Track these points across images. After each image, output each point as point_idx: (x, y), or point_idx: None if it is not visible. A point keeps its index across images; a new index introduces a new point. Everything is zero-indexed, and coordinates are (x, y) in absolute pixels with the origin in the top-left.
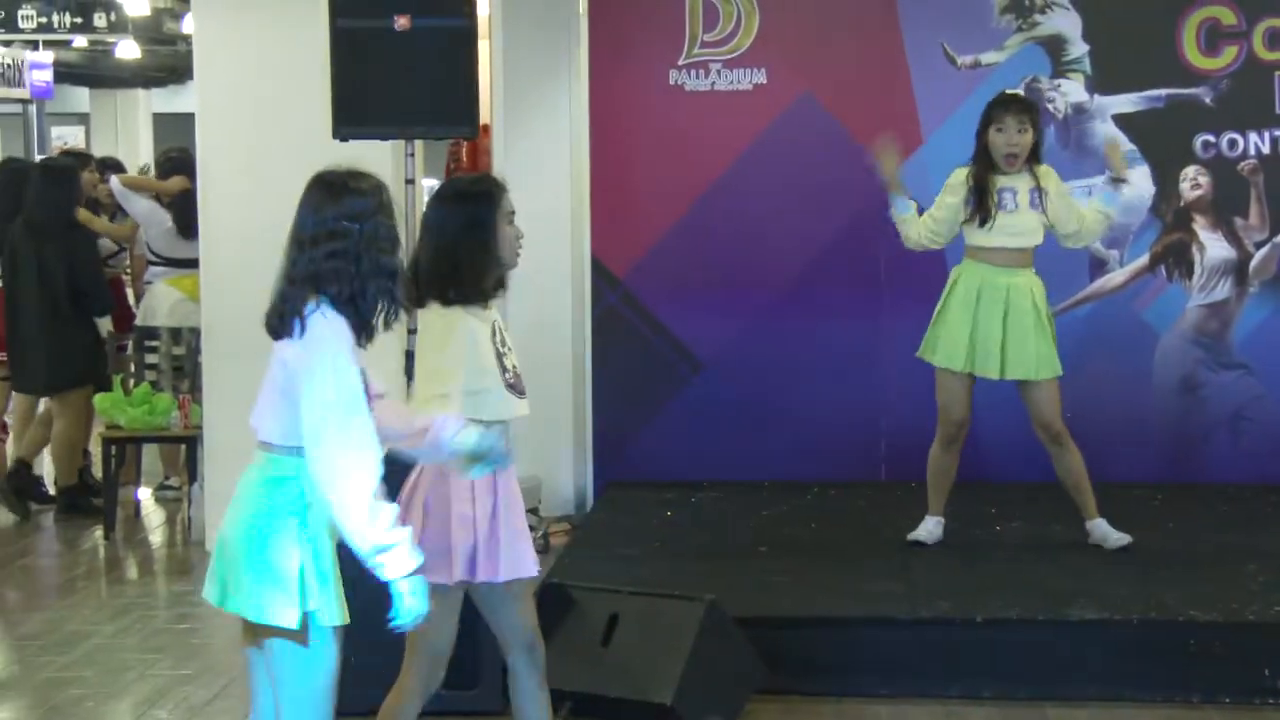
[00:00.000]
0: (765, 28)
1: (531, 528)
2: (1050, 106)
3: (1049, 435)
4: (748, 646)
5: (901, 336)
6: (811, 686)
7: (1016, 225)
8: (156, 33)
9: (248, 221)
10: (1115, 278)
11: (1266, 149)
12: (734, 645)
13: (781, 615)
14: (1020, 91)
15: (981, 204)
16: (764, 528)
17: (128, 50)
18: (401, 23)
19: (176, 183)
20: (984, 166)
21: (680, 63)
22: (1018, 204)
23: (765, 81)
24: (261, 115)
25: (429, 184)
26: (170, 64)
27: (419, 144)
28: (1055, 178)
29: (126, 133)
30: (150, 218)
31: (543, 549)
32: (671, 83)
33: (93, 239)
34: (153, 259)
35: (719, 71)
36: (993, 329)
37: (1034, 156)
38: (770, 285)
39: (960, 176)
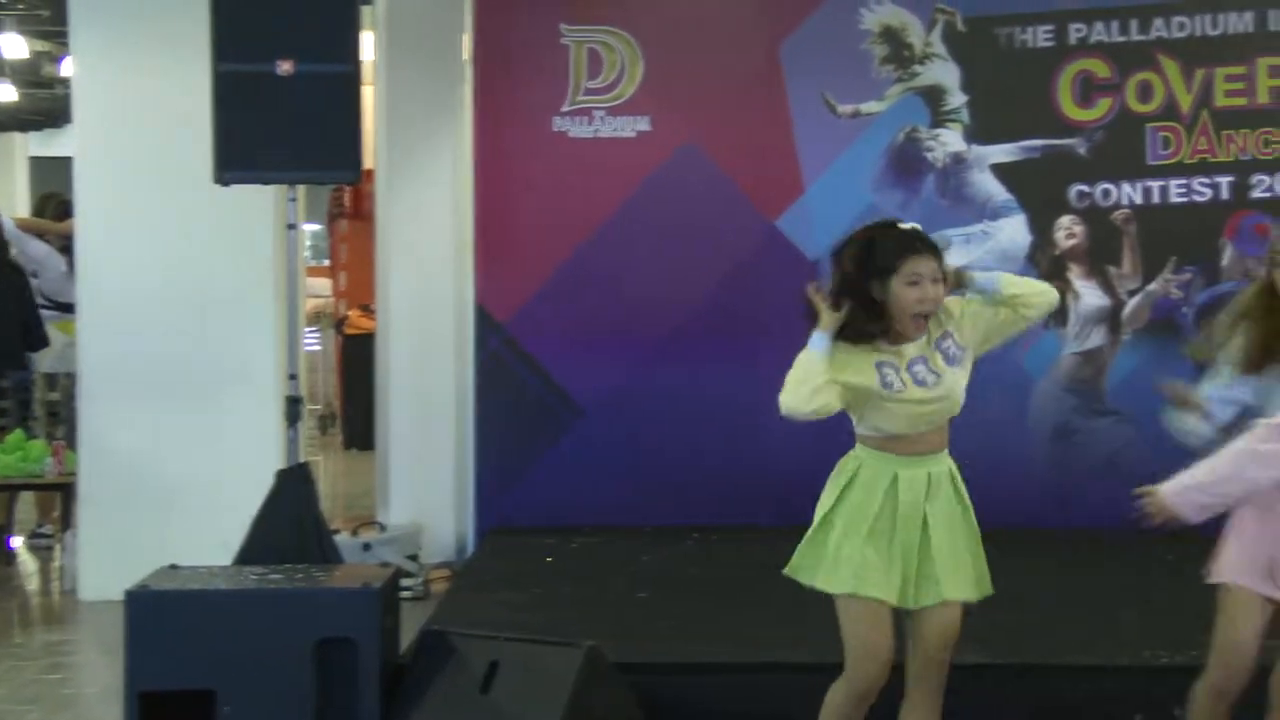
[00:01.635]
0: (649, 76)
1: (411, 574)
2: (929, 156)
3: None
4: (628, 693)
5: (780, 385)
6: None
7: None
8: (34, 76)
9: (127, 266)
10: None
11: (1139, 199)
12: (614, 692)
13: (662, 661)
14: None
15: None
16: (645, 573)
17: (4, 94)
18: (285, 67)
19: (71, 225)
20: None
21: (564, 109)
22: (936, 370)
23: (649, 129)
24: (141, 159)
25: (311, 229)
26: (48, 107)
27: (301, 188)
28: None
29: (3, 176)
30: (46, 260)
31: (423, 595)
32: (555, 129)
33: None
34: (43, 303)
35: (602, 119)
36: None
37: None
38: (652, 332)
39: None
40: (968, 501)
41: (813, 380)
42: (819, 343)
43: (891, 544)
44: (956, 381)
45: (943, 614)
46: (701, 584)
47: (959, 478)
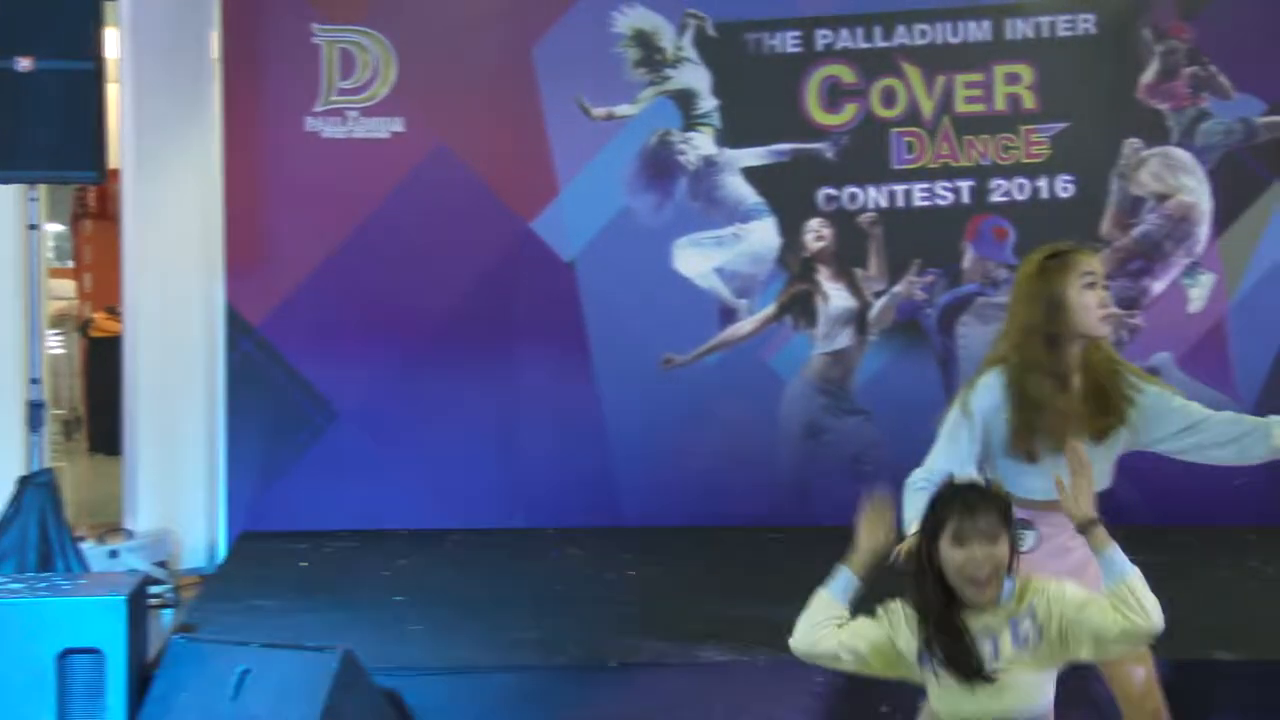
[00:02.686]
0: (403, 77)
1: (160, 581)
2: (681, 159)
3: None
4: (381, 698)
5: (535, 387)
6: None
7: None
8: None
9: None
10: (744, 326)
11: (884, 202)
12: (368, 697)
13: (416, 665)
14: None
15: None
16: (400, 577)
17: None
18: (24, 64)
19: None
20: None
21: (316, 109)
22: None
23: (403, 130)
24: None
25: (54, 229)
26: None
27: (43, 188)
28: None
29: None
30: None
31: (172, 602)
32: (307, 129)
33: None
34: None
35: (356, 119)
36: None
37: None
38: (407, 334)
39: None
40: None
41: (814, 618)
42: (838, 581)
43: None
44: (1021, 677)
45: None
46: (456, 587)
47: None
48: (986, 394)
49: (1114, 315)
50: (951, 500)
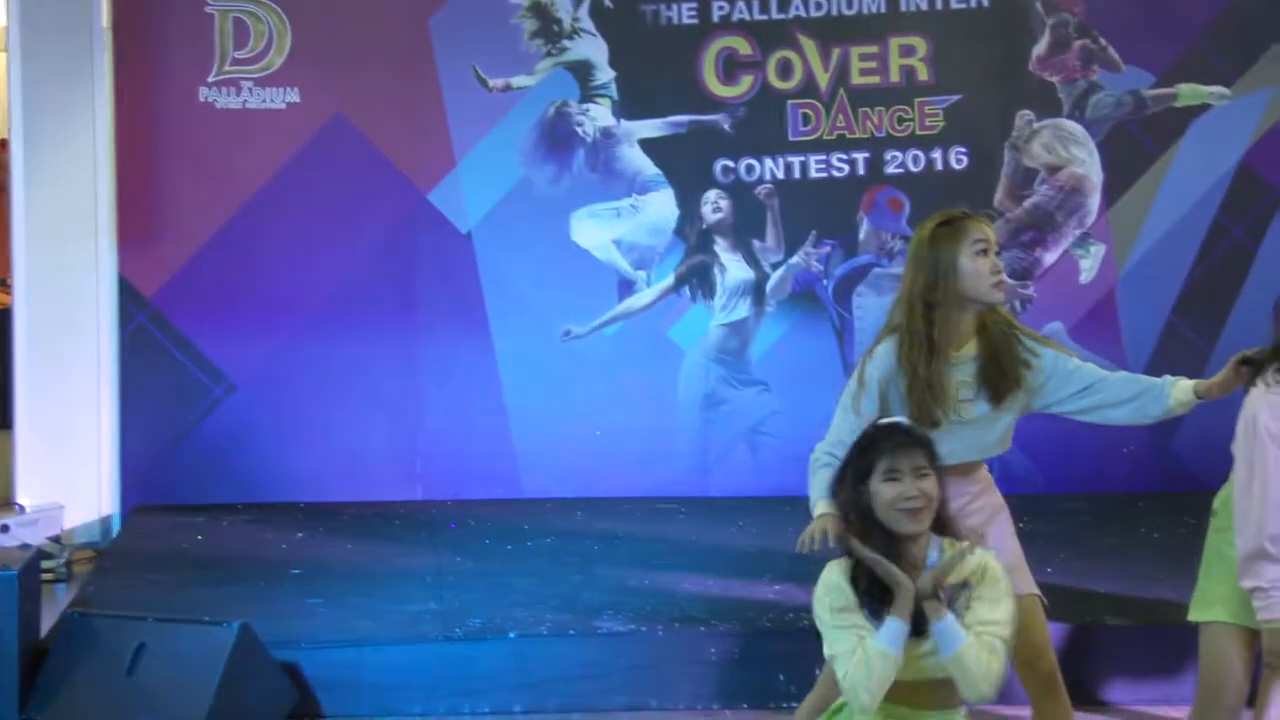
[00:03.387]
0: (297, 47)
1: (52, 556)
2: (579, 130)
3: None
4: (280, 670)
5: (436, 358)
6: (347, 708)
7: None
8: None
9: None
10: (642, 297)
11: (781, 174)
12: (265, 670)
13: (315, 638)
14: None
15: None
16: (298, 550)
17: None
18: None
19: None
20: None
21: (210, 80)
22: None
23: (298, 101)
24: None
25: None
26: None
27: None
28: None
29: None
30: None
31: (65, 577)
32: (201, 100)
33: None
34: None
35: (250, 90)
36: None
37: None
38: (304, 305)
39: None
40: None
41: (888, 682)
42: (896, 636)
43: None
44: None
45: None
46: (355, 560)
47: None
48: (880, 362)
49: (1006, 282)
50: (880, 440)
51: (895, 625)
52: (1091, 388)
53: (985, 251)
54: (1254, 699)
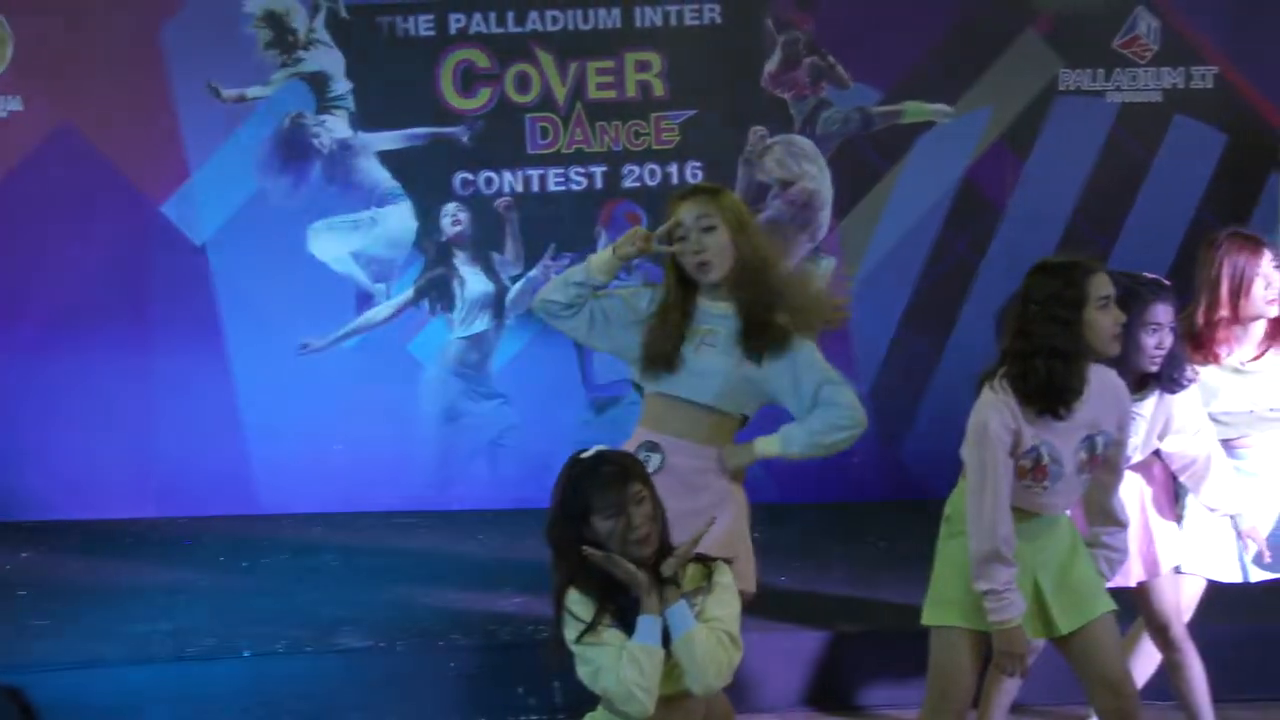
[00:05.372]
0: (20, 55)
1: None
2: (316, 142)
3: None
4: (3, 696)
5: (170, 372)
6: None
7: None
8: None
9: None
10: (381, 311)
11: (520, 187)
12: None
13: (41, 661)
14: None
15: None
16: (24, 570)
17: None
18: None
19: None
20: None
21: None
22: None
23: (21, 109)
24: None
25: None
26: None
27: None
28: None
29: None
30: None
31: None
32: None
33: None
34: None
35: None
36: None
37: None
38: (31, 320)
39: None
40: None
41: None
42: (652, 630)
43: None
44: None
45: None
46: (83, 580)
47: None
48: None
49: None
50: (588, 478)
51: (648, 621)
52: (808, 402)
53: (686, 238)
54: (978, 700)
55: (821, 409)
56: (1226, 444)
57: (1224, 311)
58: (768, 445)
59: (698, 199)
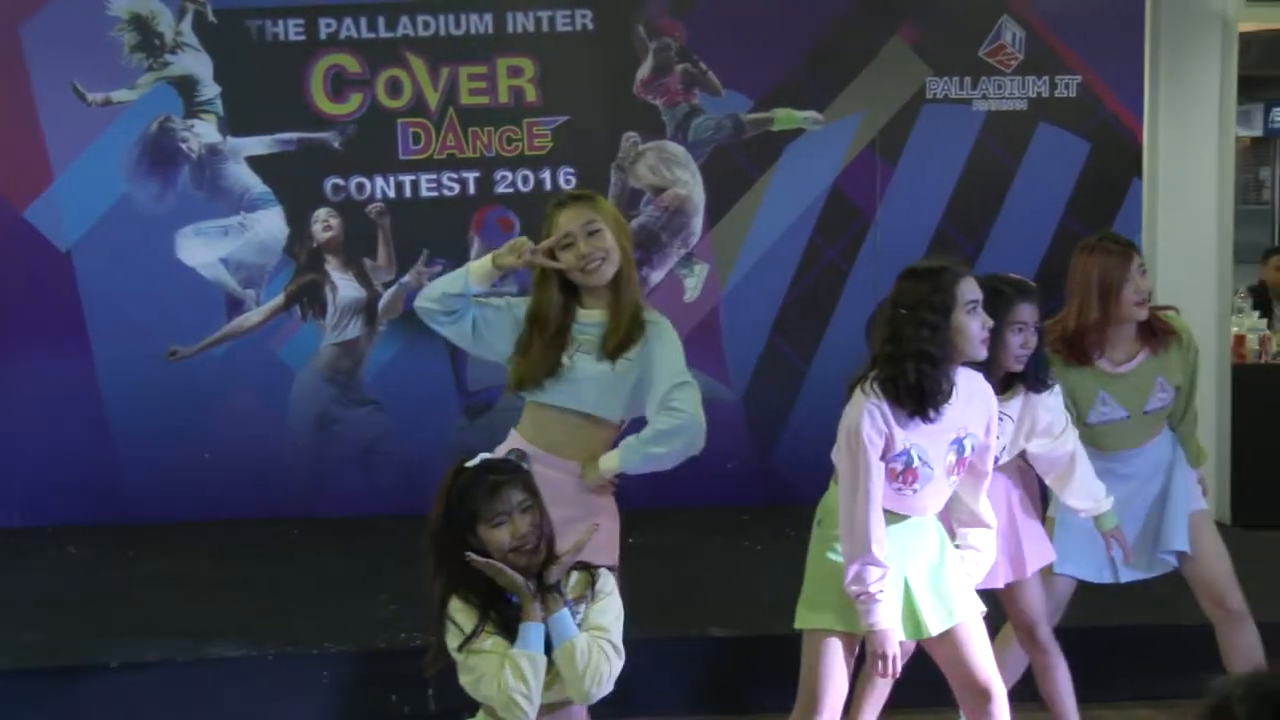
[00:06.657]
0: None
1: None
2: (184, 146)
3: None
4: None
5: (33, 379)
6: None
7: None
8: None
9: None
10: (252, 317)
11: (392, 193)
12: None
13: None
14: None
15: None
16: None
17: None
18: None
19: None
20: None
21: None
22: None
23: None
24: None
25: None
26: None
27: None
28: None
29: None
30: None
31: None
32: None
33: None
34: None
35: None
36: None
37: None
38: None
39: None
40: None
41: (540, 686)
42: (535, 638)
43: None
44: None
45: None
46: None
47: None
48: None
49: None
50: (474, 486)
51: (530, 628)
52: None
53: (571, 245)
54: (849, 704)
55: (662, 414)
56: (1101, 448)
57: (1095, 315)
58: (609, 461)
59: (578, 206)
